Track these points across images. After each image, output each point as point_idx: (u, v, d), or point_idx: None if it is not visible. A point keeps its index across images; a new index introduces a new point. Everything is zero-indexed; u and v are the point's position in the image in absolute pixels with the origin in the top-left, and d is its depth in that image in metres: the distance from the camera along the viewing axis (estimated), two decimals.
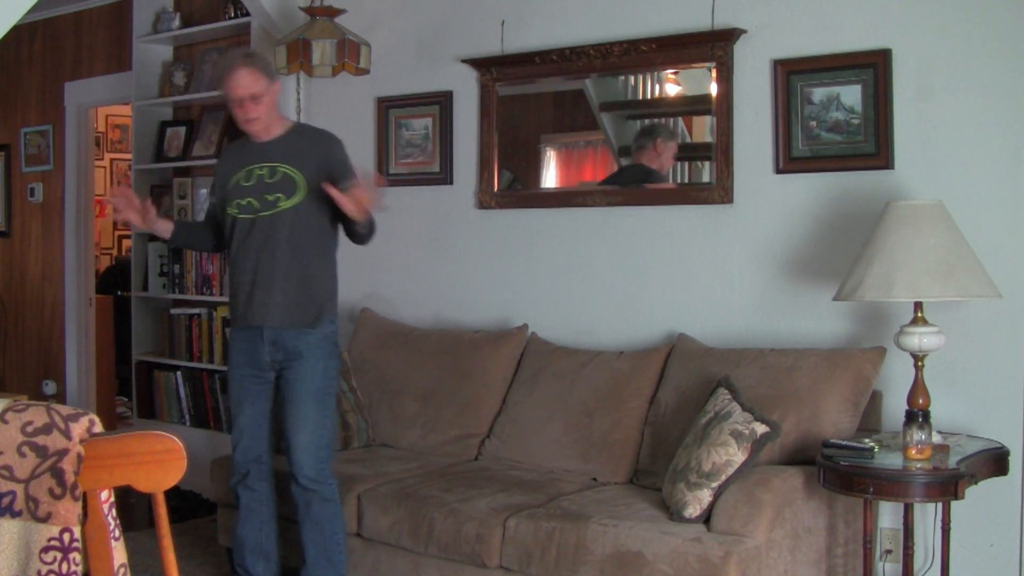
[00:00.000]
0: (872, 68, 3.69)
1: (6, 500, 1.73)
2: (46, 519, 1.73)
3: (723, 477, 3.23)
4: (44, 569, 1.72)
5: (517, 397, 4.25)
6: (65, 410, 1.76)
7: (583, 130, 4.62)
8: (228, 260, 3.84)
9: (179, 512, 5.15)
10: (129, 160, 6.84)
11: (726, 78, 4.02)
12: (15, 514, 1.73)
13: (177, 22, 5.89)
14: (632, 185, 4.37)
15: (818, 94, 3.81)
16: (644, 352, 4.07)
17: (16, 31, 4.73)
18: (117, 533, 1.77)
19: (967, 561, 3.54)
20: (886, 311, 3.65)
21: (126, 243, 9.04)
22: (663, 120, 4.40)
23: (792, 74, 3.87)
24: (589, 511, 3.41)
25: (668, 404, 3.84)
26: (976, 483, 3.19)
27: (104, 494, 1.75)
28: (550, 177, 4.70)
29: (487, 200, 4.70)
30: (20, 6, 3.11)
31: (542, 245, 4.56)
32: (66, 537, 1.73)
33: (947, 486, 3.03)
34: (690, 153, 4.31)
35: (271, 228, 3.66)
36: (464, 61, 4.72)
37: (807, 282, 3.87)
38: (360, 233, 3.69)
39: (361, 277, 4.93)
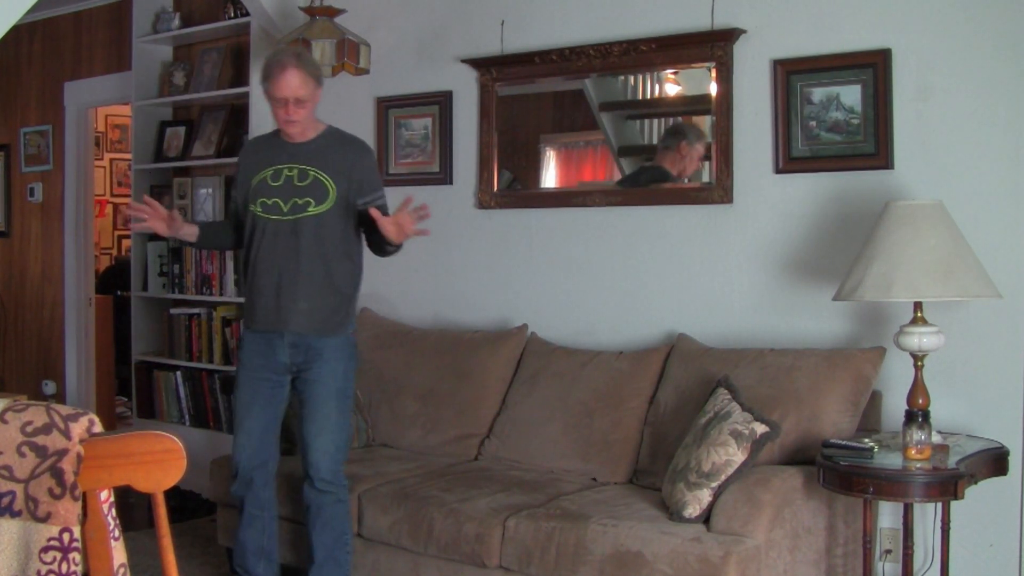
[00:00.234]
0: (872, 68, 3.69)
1: (6, 500, 1.73)
2: (46, 519, 1.73)
3: (723, 477, 3.23)
4: (44, 569, 1.72)
5: (517, 397, 4.25)
6: (65, 410, 1.76)
7: (583, 130, 4.62)
8: (246, 259, 3.74)
9: (179, 512, 5.15)
10: (129, 160, 6.84)
11: (726, 78, 4.02)
12: (15, 514, 1.73)
13: (177, 22, 5.89)
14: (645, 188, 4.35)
15: (818, 94, 3.81)
16: (644, 352, 4.07)
17: (16, 31, 4.74)
18: (117, 533, 1.77)
19: (967, 561, 3.54)
20: (886, 311, 3.65)
21: (126, 243, 9.04)
22: (692, 121, 4.25)
23: (792, 74, 3.87)
24: (589, 511, 3.41)
25: (668, 404, 3.84)
26: (976, 483, 3.19)
27: (104, 494, 1.75)
28: (550, 177, 4.70)
29: (487, 200, 4.70)
30: (20, 6, 3.10)
31: (542, 245, 4.56)
32: (66, 537, 1.73)
33: (947, 486, 3.03)
34: None
35: (298, 232, 3.60)
36: (464, 61, 4.72)
37: (807, 282, 3.87)
38: (388, 251, 3.68)
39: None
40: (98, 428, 1.77)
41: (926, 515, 3.56)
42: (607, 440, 3.92)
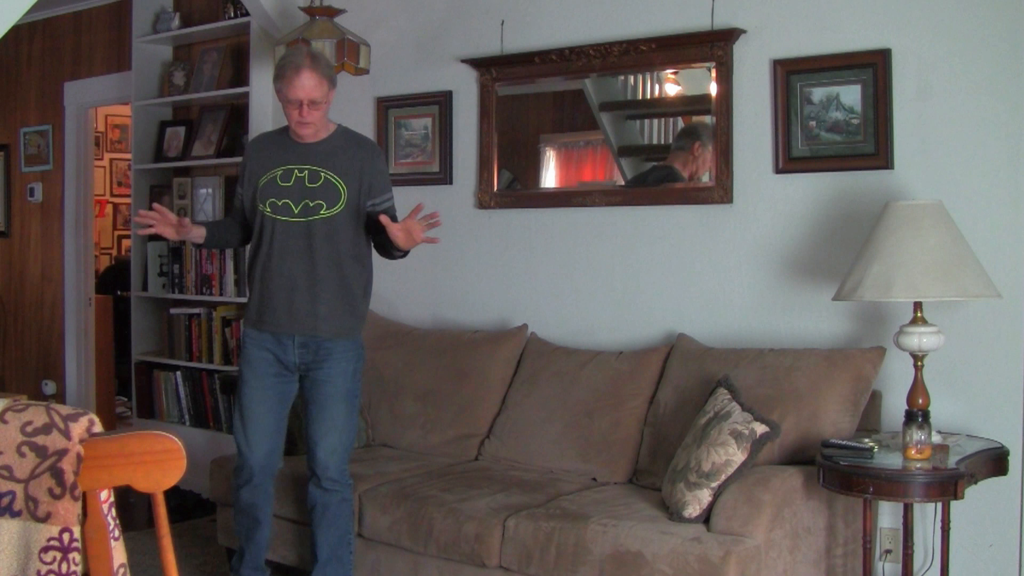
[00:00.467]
0: (872, 68, 3.69)
1: (5, 500, 1.73)
2: (46, 519, 1.73)
3: (722, 477, 3.23)
4: (44, 569, 1.72)
5: (516, 397, 4.25)
6: (65, 410, 1.76)
7: (583, 130, 4.61)
8: (253, 258, 3.68)
9: (178, 512, 5.15)
10: (128, 160, 6.84)
11: (725, 78, 4.02)
12: (14, 514, 1.73)
13: (176, 22, 5.89)
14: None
15: (818, 94, 3.81)
16: (643, 352, 4.07)
17: (15, 31, 4.74)
18: (117, 533, 1.77)
19: (967, 561, 3.54)
20: (885, 311, 3.65)
21: (125, 243, 9.04)
22: (706, 120, 4.15)
23: (792, 74, 3.87)
24: (588, 511, 3.41)
25: (668, 404, 3.84)
26: (976, 483, 3.19)
27: (104, 494, 1.75)
28: (549, 177, 4.69)
29: (487, 200, 4.70)
30: (20, 6, 3.10)
31: (541, 245, 4.56)
32: (66, 537, 1.73)
33: (946, 486, 3.03)
34: None
35: (311, 235, 3.57)
36: (464, 61, 4.72)
37: (806, 282, 3.87)
38: (395, 256, 3.67)
39: None
40: (98, 428, 1.77)
41: (926, 515, 3.56)
42: (607, 440, 3.92)
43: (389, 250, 3.66)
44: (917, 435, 3.10)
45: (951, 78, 3.59)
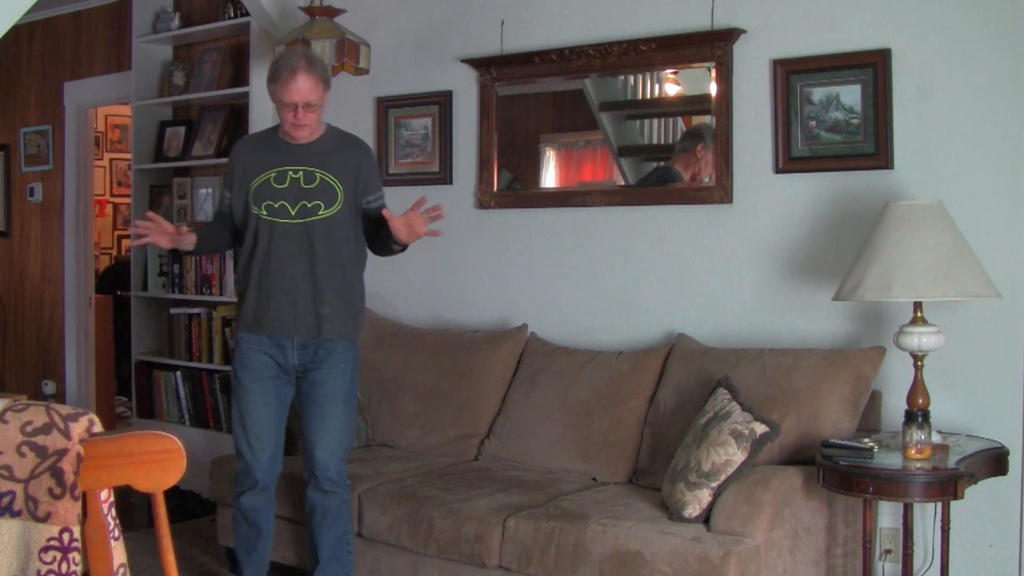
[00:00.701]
0: (871, 68, 3.69)
1: (5, 500, 1.73)
2: (45, 519, 1.73)
3: (722, 477, 3.23)
4: (43, 569, 1.72)
5: (516, 397, 4.25)
6: (64, 410, 1.76)
7: (582, 130, 4.61)
8: (249, 261, 3.63)
9: (178, 512, 5.15)
10: (128, 160, 6.84)
11: (725, 78, 4.02)
12: (14, 514, 1.73)
13: (176, 22, 5.89)
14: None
15: (817, 94, 3.81)
16: (643, 352, 4.07)
17: (15, 31, 4.74)
18: (117, 533, 1.77)
19: (966, 561, 3.54)
20: (885, 311, 3.65)
21: (125, 243, 9.04)
22: (707, 121, 4.13)
23: (791, 74, 3.87)
24: (588, 511, 3.41)
25: (667, 404, 3.84)
26: (975, 483, 3.19)
27: (104, 494, 1.75)
28: (549, 177, 4.70)
29: (486, 200, 4.70)
30: (20, 6, 3.10)
31: (541, 245, 4.56)
32: (65, 537, 1.73)
33: (946, 486, 3.03)
34: None
35: (310, 237, 3.54)
36: (464, 61, 4.72)
37: (806, 282, 3.87)
38: (395, 251, 3.67)
39: None
40: (98, 428, 1.77)
41: (926, 515, 3.56)
42: (607, 440, 3.92)
43: (388, 246, 3.65)
44: (917, 435, 3.10)
45: (951, 78, 3.59)
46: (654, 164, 4.45)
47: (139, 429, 5.70)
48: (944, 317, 3.47)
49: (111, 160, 9.19)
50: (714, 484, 3.23)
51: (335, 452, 3.63)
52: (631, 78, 4.41)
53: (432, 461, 4.20)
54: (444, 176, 4.84)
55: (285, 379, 3.65)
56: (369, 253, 3.78)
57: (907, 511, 3.36)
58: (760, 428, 3.25)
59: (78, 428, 1.74)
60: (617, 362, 4.06)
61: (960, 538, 3.49)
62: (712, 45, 4.04)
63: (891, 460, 3.14)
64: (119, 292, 7.41)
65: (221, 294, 5.57)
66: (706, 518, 3.24)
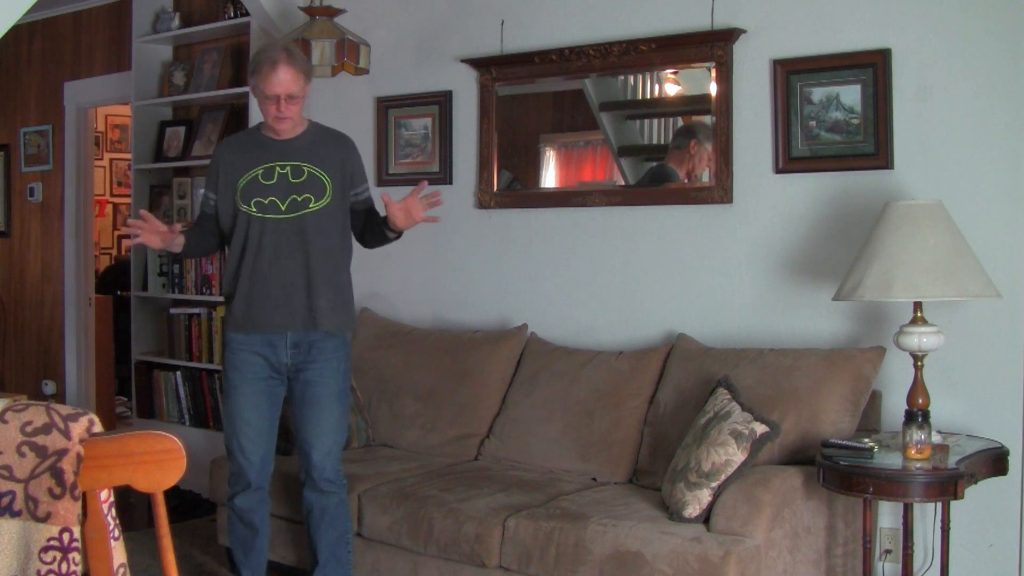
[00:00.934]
0: (872, 68, 3.69)
1: (5, 500, 1.73)
2: (46, 519, 1.73)
3: (722, 477, 3.23)
4: (44, 569, 1.72)
5: (517, 397, 4.25)
6: (64, 410, 1.76)
7: (583, 130, 4.62)
8: (239, 260, 3.60)
9: (178, 512, 5.15)
10: (129, 160, 6.84)
11: (725, 78, 4.02)
12: (14, 514, 1.73)
13: (176, 22, 5.89)
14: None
15: (817, 94, 3.81)
16: (644, 352, 4.07)
17: (15, 31, 4.74)
18: (117, 533, 1.77)
19: (966, 561, 3.54)
20: (885, 311, 3.65)
21: (125, 243, 9.04)
22: (704, 119, 4.15)
23: (791, 74, 3.87)
24: (588, 511, 3.41)
25: (668, 404, 3.84)
26: (975, 483, 3.19)
27: (104, 494, 1.75)
28: (549, 177, 4.70)
29: (486, 200, 4.70)
30: (20, 6, 3.10)
31: (541, 245, 4.56)
32: (65, 537, 1.73)
33: (946, 486, 3.03)
34: None
35: (303, 230, 3.55)
36: (464, 61, 4.72)
37: (806, 282, 3.87)
38: (389, 239, 3.67)
39: (361, 277, 4.88)
40: (98, 428, 1.77)
41: (926, 515, 3.56)
42: (607, 440, 3.92)
43: (383, 233, 3.65)
44: (917, 435, 3.10)
45: (951, 78, 3.59)
46: (650, 164, 4.45)
47: (139, 429, 5.70)
48: (944, 317, 3.47)
49: (111, 160, 9.19)
50: (714, 484, 3.23)
51: (331, 452, 3.63)
52: (631, 78, 4.41)
53: (432, 461, 4.20)
54: (444, 176, 4.84)
55: (277, 380, 3.63)
56: (356, 246, 3.79)
57: (907, 511, 3.36)
58: (760, 428, 3.25)
59: (78, 428, 1.74)
60: (617, 362, 4.06)
61: (960, 538, 3.49)
62: (712, 45, 4.04)
63: (891, 460, 3.14)
64: (119, 292, 7.41)
65: (221, 294, 5.56)
66: (706, 518, 3.24)
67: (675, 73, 4.29)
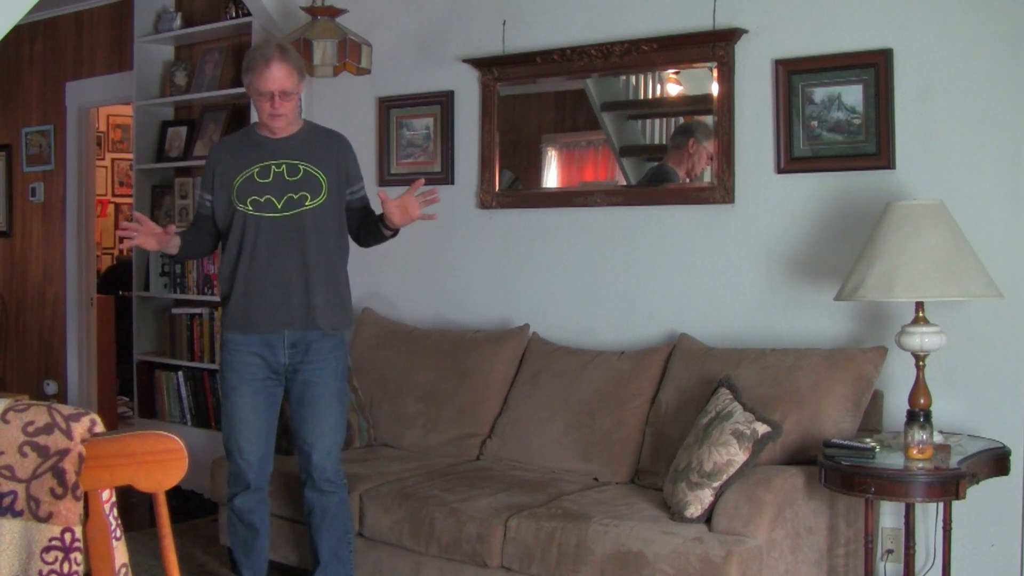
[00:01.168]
0: (873, 68, 3.69)
1: (7, 500, 1.73)
2: (47, 519, 1.73)
3: (724, 477, 3.23)
4: (45, 569, 1.72)
5: (518, 397, 4.25)
6: (66, 410, 1.76)
7: (584, 130, 4.62)
8: (236, 260, 3.59)
9: (180, 512, 5.15)
10: (130, 160, 6.84)
11: (727, 78, 4.02)
12: (16, 514, 1.73)
13: (178, 22, 5.89)
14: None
15: (819, 94, 3.81)
16: (645, 352, 4.07)
17: (17, 31, 4.73)
18: (118, 533, 1.77)
19: (968, 561, 3.54)
20: (887, 311, 3.65)
21: (127, 243, 9.04)
22: (702, 119, 4.15)
23: (793, 74, 3.87)
24: (590, 511, 3.41)
25: (669, 404, 3.84)
26: (977, 483, 3.19)
27: (105, 494, 1.75)
28: (551, 177, 4.70)
29: (488, 200, 4.70)
30: (21, 6, 3.10)
31: (543, 245, 4.56)
32: (67, 537, 1.73)
33: (948, 486, 3.03)
34: None
35: (300, 228, 3.55)
36: (465, 61, 4.72)
37: (808, 282, 3.87)
38: (385, 236, 3.67)
39: (362, 277, 4.92)
40: (100, 428, 1.77)
41: (928, 515, 3.56)
42: (608, 440, 3.92)
43: (380, 230, 3.66)
44: (919, 435, 3.10)
45: (952, 78, 3.59)
46: (650, 164, 4.45)
47: (141, 429, 5.70)
48: (946, 317, 3.47)
49: (113, 160, 9.19)
50: (716, 484, 3.23)
51: (331, 452, 3.63)
52: (633, 78, 4.41)
53: (433, 461, 4.20)
54: (446, 176, 4.84)
55: (275, 380, 3.63)
56: (352, 246, 3.79)
57: (909, 511, 3.35)
58: (762, 428, 3.25)
59: (80, 428, 1.74)
60: (619, 362, 4.06)
61: (962, 538, 3.49)
62: (714, 45, 4.03)
63: (893, 460, 3.14)
64: (121, 292, 7.42)
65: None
66: (708, 518, 3.24)
67: (677, 73, 4.29)
